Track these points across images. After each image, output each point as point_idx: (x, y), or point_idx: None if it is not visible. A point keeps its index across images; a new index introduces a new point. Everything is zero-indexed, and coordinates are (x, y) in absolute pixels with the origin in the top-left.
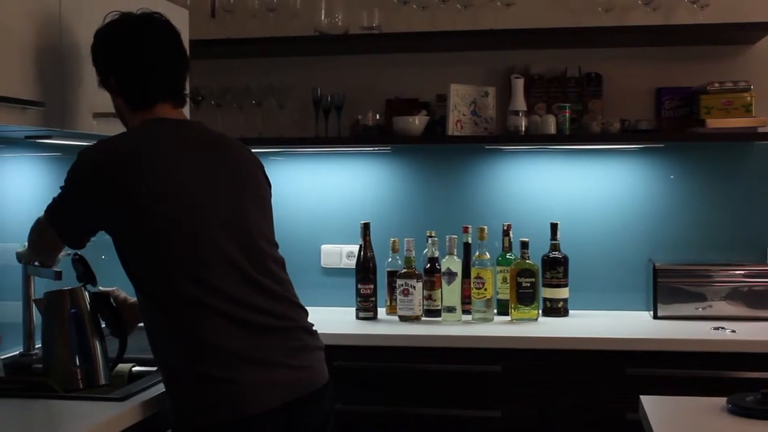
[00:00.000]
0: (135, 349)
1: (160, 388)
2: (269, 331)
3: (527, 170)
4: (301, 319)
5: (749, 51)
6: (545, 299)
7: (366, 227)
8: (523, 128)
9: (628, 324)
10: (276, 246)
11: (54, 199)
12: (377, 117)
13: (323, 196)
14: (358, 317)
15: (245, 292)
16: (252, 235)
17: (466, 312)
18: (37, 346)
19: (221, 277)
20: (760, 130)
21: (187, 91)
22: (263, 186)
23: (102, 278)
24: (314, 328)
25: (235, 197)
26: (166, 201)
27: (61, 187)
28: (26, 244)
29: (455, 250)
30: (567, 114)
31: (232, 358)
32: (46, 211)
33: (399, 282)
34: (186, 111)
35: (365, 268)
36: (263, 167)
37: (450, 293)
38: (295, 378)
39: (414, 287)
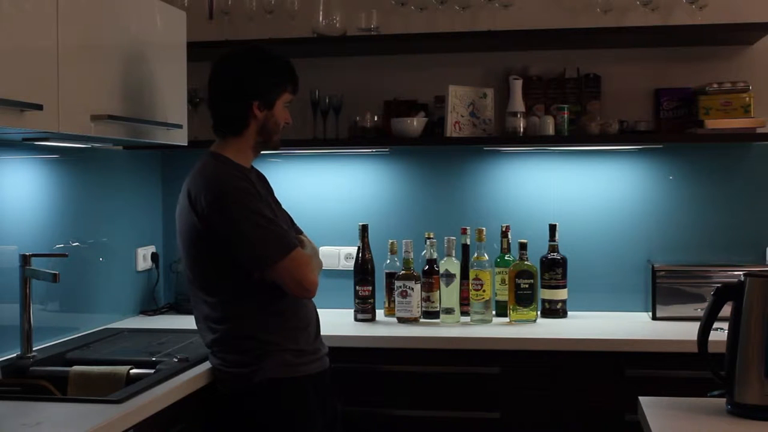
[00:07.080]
0: (132, 351)
1: (158, 390)
2: None
3: (526, 172)
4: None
5: (748, 51)
6: (544, 300)
7: (364, 229)
8: (522, 129)
9: (627, 325)
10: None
11: None
12: (375, 118)
13: (321, 198)
14: (356, 319)
15: None
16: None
17: (464, 313)
18: (34, 349)
19: None
20: (758, 130)
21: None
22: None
23: (100, 278)
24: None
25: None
26: None
27: None
28: None
29: (454, 252)
30: (565, 115)
31: None
32: None
33: (397, 284)
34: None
35: (363, 270)
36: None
37: (448, 295)
38: None
39: (412, 289)
